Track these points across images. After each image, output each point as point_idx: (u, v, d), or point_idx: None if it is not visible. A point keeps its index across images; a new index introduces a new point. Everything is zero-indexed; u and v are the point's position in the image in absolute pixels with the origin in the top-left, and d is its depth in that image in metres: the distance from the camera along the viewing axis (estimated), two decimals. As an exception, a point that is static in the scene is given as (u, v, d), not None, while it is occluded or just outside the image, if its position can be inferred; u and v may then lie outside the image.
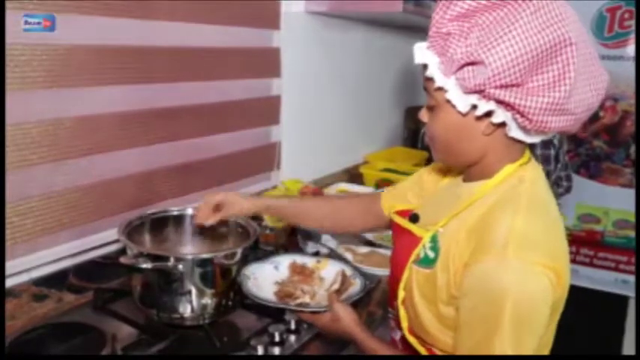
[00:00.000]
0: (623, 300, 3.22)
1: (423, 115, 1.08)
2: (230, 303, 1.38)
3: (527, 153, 1.07)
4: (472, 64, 0.92)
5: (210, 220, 1.44)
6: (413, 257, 1.09)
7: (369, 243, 1.88)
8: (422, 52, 1.00)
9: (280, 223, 2.06)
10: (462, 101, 0.96)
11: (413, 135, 3.54)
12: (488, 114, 0.96)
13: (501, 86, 0.91)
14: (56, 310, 1.41)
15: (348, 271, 1.49)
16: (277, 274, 1.49)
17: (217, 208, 1.44)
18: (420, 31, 3.17)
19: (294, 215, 1.56)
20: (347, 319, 1.18)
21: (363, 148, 3.09)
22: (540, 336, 0.93)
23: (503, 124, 0.98)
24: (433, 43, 0.97)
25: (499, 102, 0.94)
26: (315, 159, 2.66)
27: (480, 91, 0.93)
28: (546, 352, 1.06)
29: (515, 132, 0.98)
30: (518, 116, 0.94)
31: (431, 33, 0.97)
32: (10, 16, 1.30)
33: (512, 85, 0.91)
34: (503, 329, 0.89)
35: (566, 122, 0.94)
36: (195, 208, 1.49)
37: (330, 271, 1.50)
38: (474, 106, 0.96)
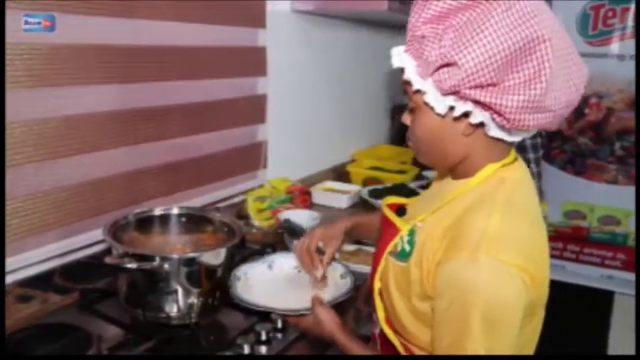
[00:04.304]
0: (608, 295, 3.25)
1: (406, 118, 1.08)
2: (216, 302, 1.38)
3: (513, 153, 1.07)
4: (447, 65, 0.92)
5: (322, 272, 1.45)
6: (390, 248, 1.10)
7: (356, 241, 1.88)
8: (399, 56, 1.00)
9: (267, 222, 2.06)
10: (439, 103, 0.96)
11: (400, 133, 3.56)
12: (466, 115, 0.96)
13: (476, 86, 0.91)
14: (41, 311, 1.40)
15: (340, 270, 1.49)
16: (271, 273, 1.49)
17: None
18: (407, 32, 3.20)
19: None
20: (329, 323, 1.19)
21: (350, 146, 3.09)
22: (514, 337, 0.93)
23: (482, 124, 0.98)
24: (409, 46, 0.98)
25: (476, 102, 0.94)
26: (301, 157, 2.66)
27: (455, 93, 0.93)
28: (529, 352, 1.07)
29: (494, 131, 0.98)
30: (495, 116, 0.94)
31: (408, 37, 0.98)
32: (10, 16, 1.30)
33: (488, 85, 0.90)
34: (474, 330, 0.89)
35: (544, 119, 0.94)
36: (299, 254, 1.49)
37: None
38: (452, 108, 0.96)
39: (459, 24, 0.91)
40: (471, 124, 0.98)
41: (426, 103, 0.98)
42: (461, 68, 0.89)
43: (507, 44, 0.87)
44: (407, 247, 1.06)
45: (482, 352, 0.90)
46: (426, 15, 0.94)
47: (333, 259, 1.48)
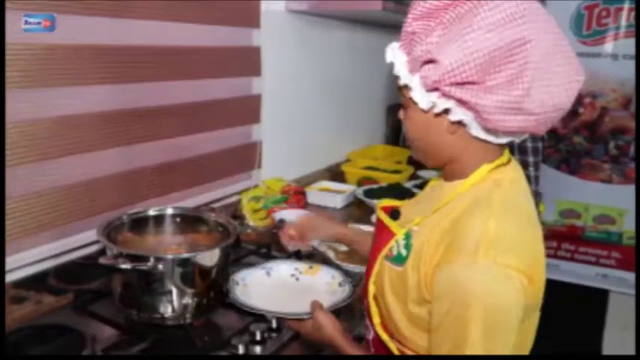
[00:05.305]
0: (603, 294, 3.26)
1: (401, 113, 1.09)
2: (211, 302, 1.38)
3: (507, 154, 1.06)
4: (431, 61, 0.92)
5: (301, 247, 1.60)
6: (384, 252, 1.09)
7: (351, 241, 1.88)
8: (392, 51, 1.02)
9: (261, 222, 2.06)
10: (423, 99, 0.97)
11: (395, 132, 3.56)
12: (447, 112, 0.97)
13: (457, 83, 0.91)
14: (36, 312, 1.40)
15: (339, 278, 1.49)
16: (269, 279, 1.49)
17: (302, 230, 1.55)
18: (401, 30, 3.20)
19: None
20: (329, 328, 1.18)
21: (345, 146, 3.09)
22: (512, 339, 0.93)
23: (463, 123, 0.98)
24: (402, 42, 0.99)
25: (458, 100, 0.94)
26: (296, 157, 2.66)
27: (437, 89, 0.94)
28: (525, 353, 1.06)
29: (476, 131, 0.98)
30: (476, 115, 0.94)
31: (402, 32, 0.99)
32: (10, 16, 1.29)
33: (468, 83, 0.90)
34: (474, 333, 0.88)
35: (525, 122, 0.92)
36: (283, 232, 1.59)
37: (321, 276, 1.51)
38: (436, 104, 0.97)
39: (448, 21, 0.91)
40: (452, 122, 0.98)
41: (411, 99, 1.00)
42: (441, 64, 0.90)
43: (489, 43, 0.87)
44: (403, 252, 1.05)
45: (480, 353, 0.89)
46: (416, 12, 0.95)
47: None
